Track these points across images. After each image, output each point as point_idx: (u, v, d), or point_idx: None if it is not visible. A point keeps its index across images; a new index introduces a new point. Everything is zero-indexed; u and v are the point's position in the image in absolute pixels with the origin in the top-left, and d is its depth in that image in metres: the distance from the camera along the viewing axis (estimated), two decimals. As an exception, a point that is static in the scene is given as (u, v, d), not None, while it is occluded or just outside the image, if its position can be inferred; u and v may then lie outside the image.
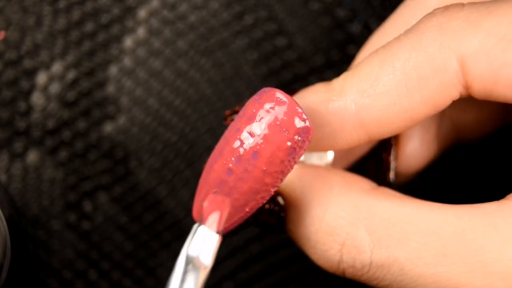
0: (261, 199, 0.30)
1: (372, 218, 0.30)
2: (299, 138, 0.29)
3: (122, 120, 0.44)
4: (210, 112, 0.44)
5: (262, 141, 0.29)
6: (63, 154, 0.43)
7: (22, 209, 0.43)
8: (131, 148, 0.44)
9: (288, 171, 0.30)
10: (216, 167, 0.30)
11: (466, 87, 0.29)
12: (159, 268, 0.44)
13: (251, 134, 0.29)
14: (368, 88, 0.30)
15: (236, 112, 0.33)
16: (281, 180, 0.30)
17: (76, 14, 0.44)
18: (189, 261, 0.29)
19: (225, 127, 0.44)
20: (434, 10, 0.30)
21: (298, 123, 0.29)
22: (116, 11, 0.44)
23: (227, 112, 0.33)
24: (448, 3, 0.31)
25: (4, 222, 0.36)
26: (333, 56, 0.44)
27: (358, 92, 0.30)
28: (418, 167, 0.36)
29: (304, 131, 0.29)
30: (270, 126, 0.29)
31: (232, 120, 0.33)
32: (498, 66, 0.29)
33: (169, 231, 0.44)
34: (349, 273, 0.31)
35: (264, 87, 0.31)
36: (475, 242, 0.28)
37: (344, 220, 0.30)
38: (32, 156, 0.43)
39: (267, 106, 0.29)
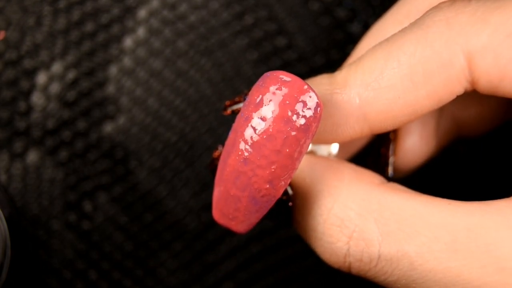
0: (284, 184, 0.30)
1: (382, 211, 0.30)
2: (311, 114, 0.29)
3: (122, 120, 0.44)
4: (210, 112, 0.44)
5: (275, 123, 0.29)
6: (63, 154, 0.43)
7: (22, 209, 0.43)
8: (131, 148, 0.44)
9: (305, 150, 0.30)
10: (231, 161, 0.30)
11: (472, 82, 0.29)
12: (159, 268, 0.44)
13: (263, 119, 0.29)
14: (373, 82, 0.30)
15: (236, 102, 0.33)
16: (299, 161, 0.30)
17: (76, 14, 0.44)
18: None
19: (225, 127, 0.44)
20: (440, 3, 0.30)
21: (308, 100, 0.29)
22: (116, 11, 0.44)
23: (227, 102, 0.33)
24: None
25: (4, 222, 0.36)
26: (333, 56, 0.44)
27: (362, 85, 0.30)
28: (417, 162, 0.36)
29: (315, 107, 0.29)
30: (280, 106, 0.29)
31: (232, 110, 0.33)
32: (505, 62, 0.29)
33: (169, 231, 0.44)
34: (355, 267, 0.30)
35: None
36: (487, 238, 0.28)
37: (353, 211, 0.30)
38: (32, 156, 0.43)
39: (273, 88, 0.29)
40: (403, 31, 0.30)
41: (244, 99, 0.32)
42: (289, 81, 0.29)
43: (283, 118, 0.29)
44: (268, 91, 0.29)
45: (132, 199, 0.44)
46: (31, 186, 0.43)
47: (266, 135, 0.29)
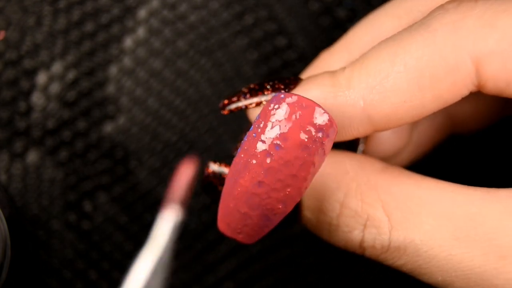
0: (296, 201, 0.30)
1: (388, 200, 0.31)
2: (327, 137, 0.29)
3: (122, 120, 0.44)
4: (210, 112, 0.44)
5: (292, 149, 0.28)
6: (63, 154, 0.43)
7: (22, 209, 0.43)
8: (131, 148, 0.44)
9: (318, 168, 0.30)
10: (243, 181, 0.29)
11: (479, 86, 0.30)
12: (159, 268, 0.44)
13: (279, 145, 0.28)
14: (378, 85, 0.30)
15: (234, 101, 0.32)
16: (312, 178, 0.30)
17: (76, 14, 0.44)
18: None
19: (225, 127, 0.44)
20: (446, 5, 0.30)
21: (324, 124, 0.29)
22: (116, 11, 0.44)
23: (225, 101, 0.33)
24: None
25: (4, 222, 0.36)
26: (333, 56, 0.44)
27: (367, 88, 0.30)
28: (389, 152, 0.36)
29: (331, 130, 0.29)
30: (296, 132, 0.28)
31: (230, 110, 0.32)
32: None
33: (169, 231, 0.44)
34: (369, 252, 0.32)
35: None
36: (488, 226, 0.29)
37: (363, 202, 0.31)
38: (32, 156, 0.43)
39: (288, 113, 0.28)
40: (408, 30, 0.30)
41: (243, 98, 0.32)
42: (304, 106, 0.28)
43: (300, 145, 0.28)
44: (283, 117, 0.28)
45: (132, 199, 0.44)
46: (31, 186, 0.43)
47: (284, 161, 0.29)
